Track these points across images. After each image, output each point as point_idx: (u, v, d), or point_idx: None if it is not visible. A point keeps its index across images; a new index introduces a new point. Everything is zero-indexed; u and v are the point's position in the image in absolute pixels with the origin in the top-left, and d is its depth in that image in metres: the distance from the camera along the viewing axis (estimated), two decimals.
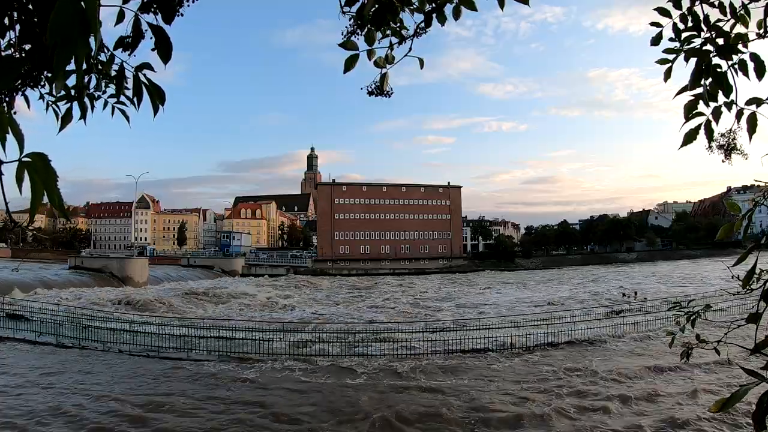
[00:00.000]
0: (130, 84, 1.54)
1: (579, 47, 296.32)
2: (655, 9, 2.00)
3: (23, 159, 0.86)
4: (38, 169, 0.87)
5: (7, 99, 1.43)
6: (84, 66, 1.02)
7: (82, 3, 0.87)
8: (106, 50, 1.59)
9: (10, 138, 0.89)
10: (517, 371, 12.36)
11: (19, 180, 0.87)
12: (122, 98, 1.77)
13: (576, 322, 17.43)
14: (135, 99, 1.48)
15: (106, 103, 1.80)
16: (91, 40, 0.90)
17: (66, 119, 1.56)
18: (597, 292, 35.96)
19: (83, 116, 1.59)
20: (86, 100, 1.62)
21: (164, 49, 1.36)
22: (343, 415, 9.26)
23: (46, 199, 0.93)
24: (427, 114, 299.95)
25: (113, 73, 1.68)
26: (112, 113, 1.80)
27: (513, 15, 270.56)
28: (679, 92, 1.88)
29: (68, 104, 1.60)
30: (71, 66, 0.96)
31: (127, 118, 1.81)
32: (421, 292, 41.95)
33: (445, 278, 62.07)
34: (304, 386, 11.28)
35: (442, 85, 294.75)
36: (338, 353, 14.21)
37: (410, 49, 2.16)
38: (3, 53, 1.35)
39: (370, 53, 2.08)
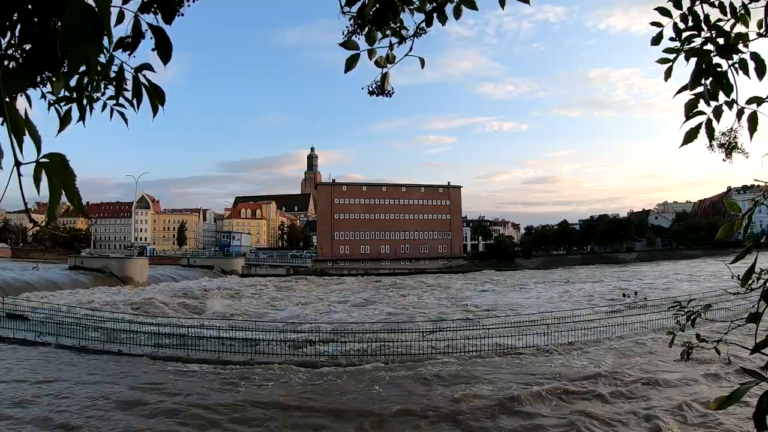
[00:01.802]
0: (129, 85, 1.54)
1: (580, 47, 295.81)
2: (655, 9, 2.00)
3: (41, 160, 0.87)
4: (56, 170, 0.88)
5: (8, 100, 1.43)
6: (93, 68, 1.02)
7: (93, 4, 0.87)
8: (105, 51, 1.58)
9: (27, 139, 0.89)
10: None
11: (37, 180, 0.88)
12: (121, 99, 1.76)
13: None
14: (134, 100, 1.48)
15: (104, 105, 1.79)
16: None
17: (65, 121, 1.56)
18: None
19: (82, 118, 1.59)
20: (85, 101, 1.61)
21: (164, 49, 1.36)
22: None
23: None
24: (427, 114, 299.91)
25: (112, 74, 1.67)
26: (111, 115, 1.79)
27: (515, 15, 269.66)
28: (679, 91, 1.88)
29: (68, 106, 1.60)
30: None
31: (126, 120, 1.80)
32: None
33: (468, 277, 62.50)
34: None
35: (442, 85, 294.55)
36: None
37: (411, 48, 2.16)
38: (3, 53, 1.35)
39: (371, 53, 2.08)
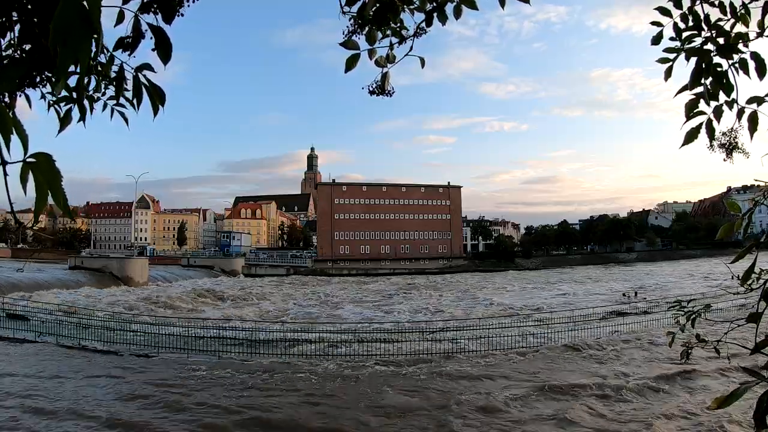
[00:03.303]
0: (129, 85, 1.54)
1: (582, 47, 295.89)
2: (655, 8, 2.00)
3: (27, 159, 0.86)
4: (43, 170, 0.86)
5: (6, 100, 1.42)
6: (83, 67, 1.01)
7: (85, 3, 0.87)
8: (105, 51, 1.58)
9: (14, 138, 0.88)
10: None
11: (24, 181, 0.86)
12: (122, 99, 1.76)
13: None
14: (135, 100, 1.48)
15: (105, 105, 1.79)
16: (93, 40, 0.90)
17: (65, 121, 1.56)
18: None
19: (83, 118, 1.59)
20: (85, 101, 1.61)
21: (164, 49, 1.35)
22: None
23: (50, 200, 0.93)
24: (428, 114, 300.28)
25: (113, 75, 1.67)
26: (111, 115, 1.79)
27: (516, 14, 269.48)
28: (680, 91, 1.88)
29: (68, 106, 1.60)
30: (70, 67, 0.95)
31: (126, 120, 1.80)
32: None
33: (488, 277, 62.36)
34: None
35: (443, 85, 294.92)
36: None
37: (411, 48, 2.16)
38: (3, 53, 1.35)
39: (371, 53, 2.08)
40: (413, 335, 16.02)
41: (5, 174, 0.87)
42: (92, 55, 1.39)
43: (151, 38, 1.38)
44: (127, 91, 1.63)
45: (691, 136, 1.83)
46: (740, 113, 1.77)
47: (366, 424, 8.84)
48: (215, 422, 8.96)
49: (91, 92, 1.69)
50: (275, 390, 11.00)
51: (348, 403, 10.04)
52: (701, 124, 1.83)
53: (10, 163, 0.86)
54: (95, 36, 0.90)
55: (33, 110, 1.63)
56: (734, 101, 1.79)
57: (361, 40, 2.04)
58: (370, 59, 2.08)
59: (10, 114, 0.89)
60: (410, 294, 40.76)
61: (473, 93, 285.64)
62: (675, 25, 1.99)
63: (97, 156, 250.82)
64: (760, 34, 1.83)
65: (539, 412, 9.38)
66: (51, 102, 1.63)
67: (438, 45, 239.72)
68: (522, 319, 20.62)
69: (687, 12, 1.97)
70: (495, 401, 9.81)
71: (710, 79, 1.85)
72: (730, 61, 1.82)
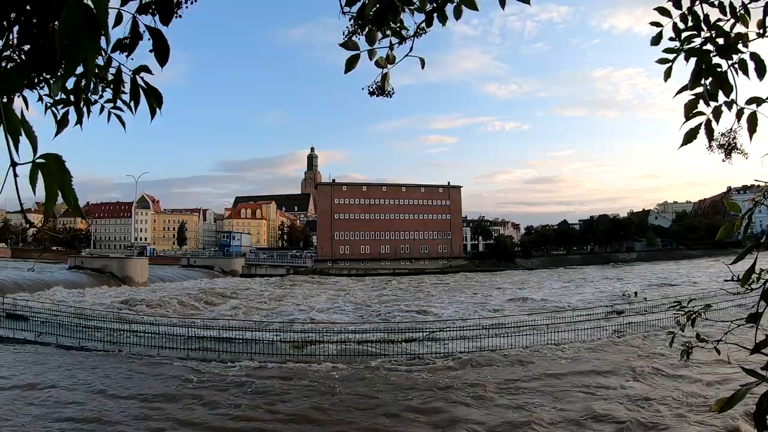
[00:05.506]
0: (127, 87, 1.53)
1: (584, 47, 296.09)
2: (655, 9, 2.00)
3: (37, 160, 0.86)
4: (52, 170, 0.87)
5: (5, 100, 1.42)
6: (91, 68, 1.01)
7: (91, 3, 0.86)
8: (103, 53, 1.58)
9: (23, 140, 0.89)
10: None
11: (33, 181, 0.87)
12: (119, 102, 1.75)
13: None
14: (132, 102, 1.47)
15: (102, 108, 1.78)
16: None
17: (62, 124, 1.56)
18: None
19: (79, 121, 1.58)
20: (82, 104, 1.61)
21: (161, 51, 1.35)
22: None
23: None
24: (429, 114, 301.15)
25: (110, 77, 1.67)
26: (108, 119, 1.78)
27: (519, 14, 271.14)
28: (679, 92, 1.87)
29: (65, 109, 1.59)
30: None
31: (123, 124, 1.78)
32: None
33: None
34: None
35: (446, 85, 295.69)
36: None
37: (411, 48, 2.16)
38: (2, 54, 1.34)
39: (371, 53, 2.07)
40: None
41: (15, 175, 0.87)
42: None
43: (149, 39, 1.38)
44: (125, 93, 1.63)
45: (690, 136, 1.82)
46: (739, 114, 1.76)
47: None
48: None
49: (88, 95, 1.68)
50: None
51: None
52: (700, 124, 1.83)
53: (21, 164, 0.86)
54: (103, 36, 0.90)
55: (30, 112, 1.63)
56: (733, 102, 1.79)
57: (361, 40, 2.04)
58: (370, 60, 2.08)
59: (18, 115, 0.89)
60: (458, 293, 40.72)
61: (475, 93, 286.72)
62: (674, 25, 1.99)
63: (97, 156, 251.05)
64: (759, 35, 1.83)
65: None
66: (48, 104, 1.62)
67: (441, 44, 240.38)
68: None
69: (686, 12, 1.97)
70: None
71: (710, 79, 1.85)
72: (730, 62, 1.82)
